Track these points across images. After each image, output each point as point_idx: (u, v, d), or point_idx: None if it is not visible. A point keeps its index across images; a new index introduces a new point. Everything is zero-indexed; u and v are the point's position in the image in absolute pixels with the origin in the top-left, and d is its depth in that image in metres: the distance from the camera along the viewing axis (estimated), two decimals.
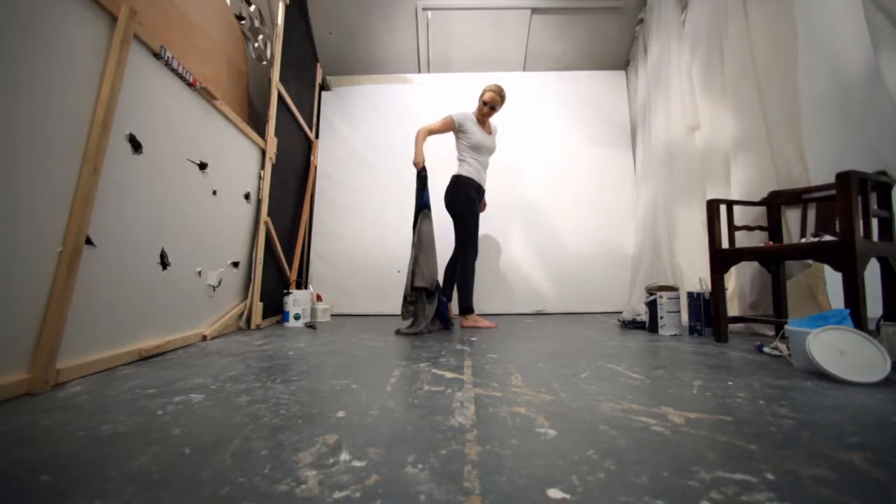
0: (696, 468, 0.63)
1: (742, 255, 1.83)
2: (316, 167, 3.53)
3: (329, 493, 0.57)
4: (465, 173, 2.44)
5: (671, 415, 0.87)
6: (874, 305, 1.45)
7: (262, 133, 2.58)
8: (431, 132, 2.43)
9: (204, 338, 1.91)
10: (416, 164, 2.36)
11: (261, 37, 2.69)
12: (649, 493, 0.56)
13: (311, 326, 2.54)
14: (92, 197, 1.25)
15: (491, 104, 2.44)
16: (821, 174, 1.84)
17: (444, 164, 2.66)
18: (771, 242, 1.98)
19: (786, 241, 1.97)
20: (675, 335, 2.03)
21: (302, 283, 3.27)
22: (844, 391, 1.04)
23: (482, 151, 2.48)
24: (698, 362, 1.40)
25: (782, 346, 1.47)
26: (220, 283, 2.11)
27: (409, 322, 2.21)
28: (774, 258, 1.90)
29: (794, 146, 1.93)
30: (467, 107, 2.60)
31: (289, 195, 3.04)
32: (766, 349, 1.54)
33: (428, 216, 2.32)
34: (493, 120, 2.60)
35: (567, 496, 0.56)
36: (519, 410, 0.91)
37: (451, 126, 2.45)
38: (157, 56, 1.58)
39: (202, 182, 1.95)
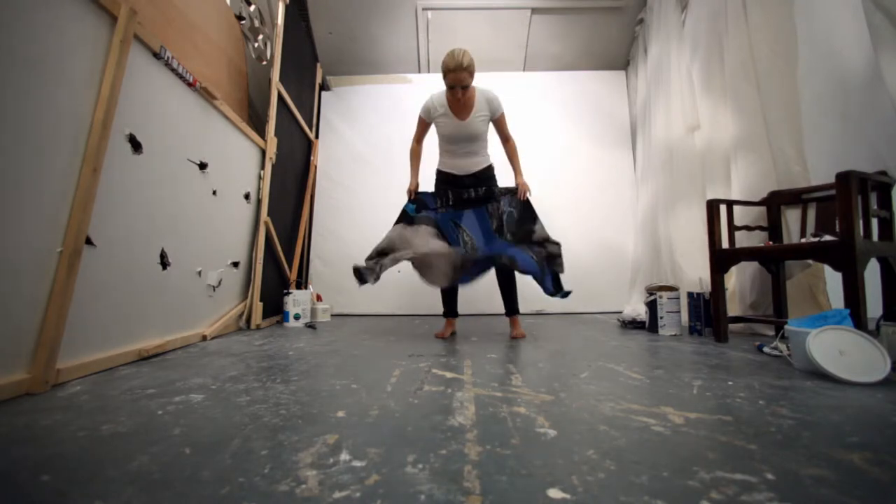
0: (696, 468, 0.63)
1: (742, 255, 1.83)
2: (316, 167, 3.53)
3: (329, 493, 0.57)
4: (438, 165, 2.20)
5: (671, 415, 0.87)
6: (874, 305, 1.45)
7: (262, 133, 2.58)
8: (419, 140, 2.19)
9: (204, 338, 1.91)
10: (407, 191, 2.15)
11: (261, 37, 2.69)
12: (649, 493, 0.56)
13: (311, 326, 2.54)
14: (92, 197, 1.25)
15: (451, 85, 1.92)
16: (821, 174, 1.84)
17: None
18: (771, 242, 1.99)
19: (786, 241, 1.97)
20: (675, 335, 2.03)
21: (302, 283, 3.27)
22: (844, 391, 1.04)
23: (453, 141, 2.08)
24: (698, 362, 1.40)
25: (782, 346, 1.47)
26: (220, 283, 2.11)
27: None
28: (774, 258, 1.90)
29: (793, 146, 1.93)
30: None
31: (289, 195, 3.05)
32: (766, 349, 1.54)
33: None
34: (488, 89, 2.06)
35: (567, 496, 0.56)
36: (519, 410, 0.91)
37: (424, 124, 2.13)
38: (157, 56, 1.58)
39: (202, 182, 1.95)
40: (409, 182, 2.19)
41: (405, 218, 2.15)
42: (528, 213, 2.13)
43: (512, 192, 2.16)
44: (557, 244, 2.07)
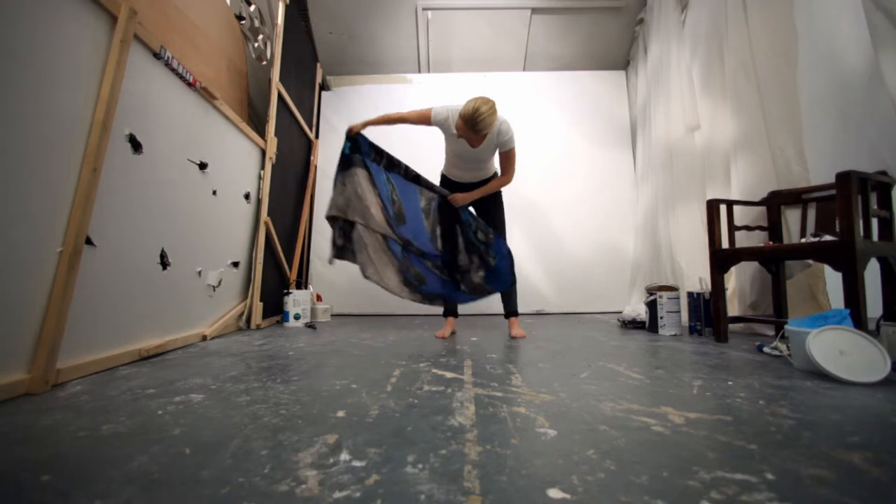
0: (696, 468, 0.63)
1: (742, 255, 1.83)
2: (316, 167, 3.53)
3: (329, 493, 0.57)
4: (443, 170, 2.23)
5: (671, 415, 0.87)
6: (874, 305, 1.45)
7: (262, 133, 2.58)
8: (402, 120, 2.08)
9: (204, 338, 1.91)
10: (348, 128, 2.12)
11: (261, 37, 2.69)
12: (649, 493, 0.56)
13: (311, 326, 2.54)
14: (92, 197, 1.25)
15: (459, 133, 1.88)
16: (821, 174, 1.84)
17: None
18: (771, 242, 1.99)
19: (786, 241, 1.97)
20: (675, 335, 2.03)
21: (302, 283, 3.27)
22: (844, 391, 1.04)
23: (461, 158, 2.08)
24: (698, 362, 1.40)
25: (782, 346, 1.47)
26: (220, 283, 2.11)
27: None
28: (774, 258, 1.90)
29: (794, 146, 1.93)
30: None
31: (289, 195, 3.04)
32: (766, 349, 1.54)
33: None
34: (504, 120, 1.95)
35: (567, 496, 0.56)
36: (519, 410, 0.91)
37: (426, 121, 2.01)
38: (157, 56, 1.58)
39: (202, 182, 1.95)
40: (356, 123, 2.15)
41: (343, 161, 2.18)
42: (453, 225, 2.15)
43: (443, 194, 2.13)
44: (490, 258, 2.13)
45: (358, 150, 2.18)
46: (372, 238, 2.15)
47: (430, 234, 2.19)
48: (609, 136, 3.62)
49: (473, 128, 1.79)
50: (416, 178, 2.18)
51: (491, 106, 1.80)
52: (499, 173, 2.13)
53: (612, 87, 3.71)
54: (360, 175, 2.17)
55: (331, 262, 2.17)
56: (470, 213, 2.12)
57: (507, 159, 2.02)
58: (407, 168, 2.18)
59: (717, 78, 2.38)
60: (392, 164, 2.19)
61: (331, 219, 2.14)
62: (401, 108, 3.66)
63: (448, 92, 3.56)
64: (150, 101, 1.57)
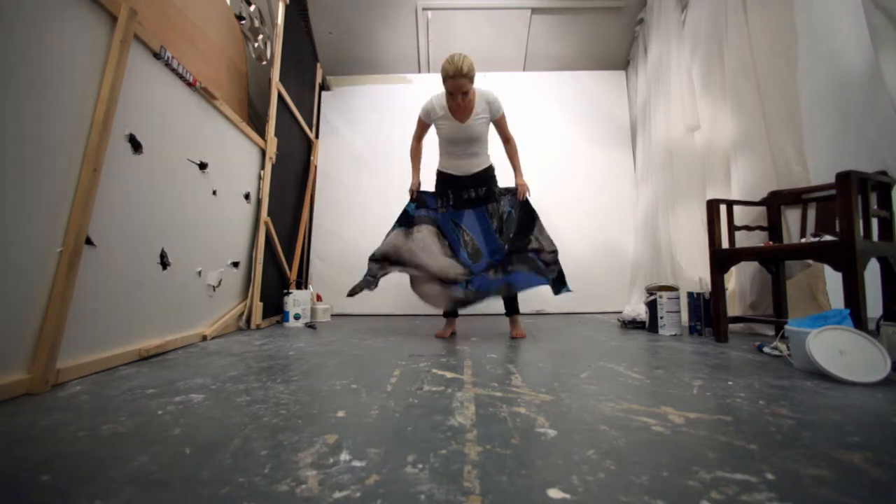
0: (696, 468, 0.63)
1: (742, 255, 1.83)
2: (316, 167, 3.53)
3: (329, 493, 0.57)
4: (438, 166, 2.21)
5: (671, 415, 0.87)
6: (874, 305, 1.45)
7: (262, 133, 2.58)
8: (419, 139, 2.19)
9: (204, 338, 1.91)
10: (409, 190, 2.18)
11: (261, 37, 2.70)
12: (649, 493, 0.56)
13: (311, 326, 2.54)
14: (92, 197, 1.25)
15: (450, 91, 1.91)
16: (821, 174, 1.84)
17: None
18: (771, 242, 1.99)
19: (786, 241, 1.97)
20: (675, 335, 2.03)
21: (302, 283, 3.27)
22: (844, 391, 1.04)
23: (453, 142, 2.08)
24: (698, 362, 1.40)
25: (782, 346, 1.47)
26: (220, 283, 2.11)
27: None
28: (774, 258, 1.90)
29: (794, 146, 1.93)
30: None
31: (289, 195, 3.05)
32: (766, 349, 1.54)
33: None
34: (488, 90, 2.03)
35: (567, 496, 0.56)
36: (519, 410, 0.91)
37: (423, 124, 2.13)
38: (157, 56, 1.58)
39: (202, 182, 1.95)
40: (410, 181, 2.21)
41: (405, 218, 2.17)
42: (527, 217, 2.12)
43: (512, 192, 2.16)
44: (553, 252, 2.09)
45: (424, 205, 2.18)
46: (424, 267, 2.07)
47: (500, 238, 2.11)
48: (609, 136, 3.62)
49: (460, 72, 1.83)
50: (485, 199, 2.13)
51: (458, 53, 1.87)
52: (493, 165, 2.17)
53: (612, 87, 3.71)
54: (426, 231, 2.11)
55: (351, 294, 2.09)
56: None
57: (504, 125, 2.10)
58: (471, 193, 2.13)
59: (717, 78, 2.38)
60: (461, 200, 2.14)
61: (381, 261, 2.09)
62: (401, 109, 3.67)
63: None
64: (150, 101, 1.57)
